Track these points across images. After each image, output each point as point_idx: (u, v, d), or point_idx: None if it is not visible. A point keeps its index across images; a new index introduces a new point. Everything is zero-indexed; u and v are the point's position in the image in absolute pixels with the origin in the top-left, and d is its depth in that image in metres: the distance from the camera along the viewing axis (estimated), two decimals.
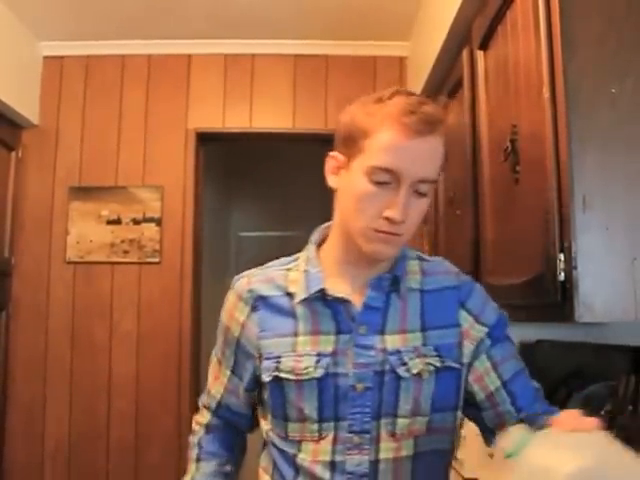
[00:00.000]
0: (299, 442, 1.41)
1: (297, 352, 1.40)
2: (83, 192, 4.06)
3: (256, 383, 1.48)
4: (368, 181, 1.31)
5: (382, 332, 1.40)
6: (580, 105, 1.59)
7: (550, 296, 1.62)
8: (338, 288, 1.42)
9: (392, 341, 1.40)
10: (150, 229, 4.03)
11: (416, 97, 1.34)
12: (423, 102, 1.32)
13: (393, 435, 1.38)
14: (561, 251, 1.58)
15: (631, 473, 0.92)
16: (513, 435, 0.99)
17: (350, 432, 1.37)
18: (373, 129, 1.31)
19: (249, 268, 1.56)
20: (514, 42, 2.08)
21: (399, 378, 1.38)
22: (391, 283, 1.43)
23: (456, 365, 1.43)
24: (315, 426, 1.38)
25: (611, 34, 1.63)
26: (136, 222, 4.04)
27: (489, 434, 1.46)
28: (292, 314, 1.43)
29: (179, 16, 3.83)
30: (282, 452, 1.44)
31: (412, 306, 1.44)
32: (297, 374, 1.38)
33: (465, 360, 1.44)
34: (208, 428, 1.65)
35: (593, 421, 1.04)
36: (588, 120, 1.59)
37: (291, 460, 1.42)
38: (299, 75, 4.17)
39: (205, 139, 4.24)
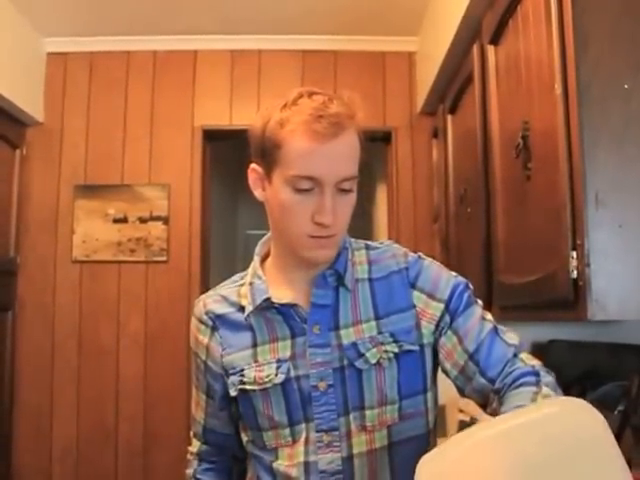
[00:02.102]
0: (275, 449, 1.44)
1: (258, 362, 1.43)
2: (88, 190, 4.04)
3: (227, 401, 1.51)
4: (291, 190, 1.32)
5: (336, 328, 1.42)
6: (592, 101, 1.57)
7: (563, 294, 1.60)
8: (283, 294, 1.44)
9: (347, 335, 1.41)
10: (157, 228, 4.01)
11: (320, 97, 1.34)
12: (328, 103, 1.32)
13: (364, 428, 1.40)
14: (573, 249, 1.56)
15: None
16: None
17: (318, 431, 1.39)
18: (285, 139, 1.31)
19: None
20: (525, 37, 2.05)
21: (359, 371, 1.39)
22: (336, 278, 1.45)
23: (415, 347, 1.43)
24: (287, 431, 1.41)
25: (624, 28, 1.61)
26: (143, 221, 4.01)
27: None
28: (248, 327, 1.46)
29: (185, 11, 3.80)
30: (261, 461, 1.46)
31: (362, 296, 1.45)
32: (260, 383, 1.41)
33: (425, 341, 1.44)
34: (200, 456, 1.65)
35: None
36: (601, 116, 1.56)
37: (269, 467, 1.44)
38: (307, 71, 4.13)
39: (212, 136, 4.21)
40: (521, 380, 1.32)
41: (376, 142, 4.28)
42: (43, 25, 3.94)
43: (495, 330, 1.45)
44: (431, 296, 1.46)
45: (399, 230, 3.96)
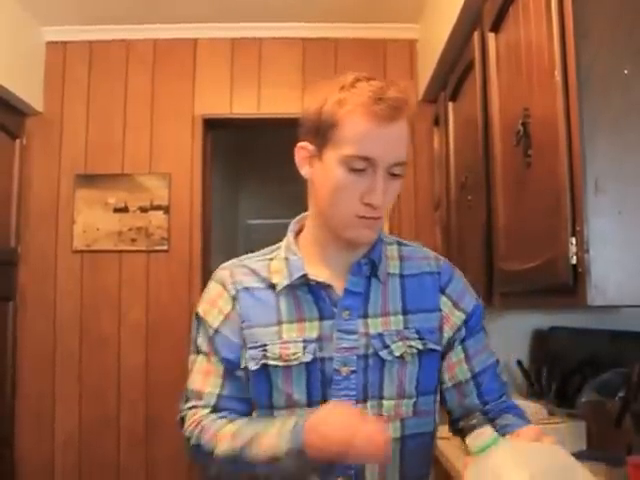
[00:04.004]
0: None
1: (283, 339, 1.43)
2: (89, 180, 4.03)
3: (239, 372, 1.48)
4: (344, 170, 1.35)
5: (365, 316, 1.44)
6: (592, 87, 1.57)
7: (562, 280, 1.61)
8: (319, 274, 1.45)
9: (374, 325, 1.44)
10: (158, 217, 4.00)
11: (377, 82, 1.37)
12: (386, 87, 1.36)
13: (380, 417, 1.40)
14: (573, 235, 1.57)
15: None
16: (485, 435, 1.08)
17: None
18: (342, 119, 1.34)
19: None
20: (526, 24, 2.04)
21: (382, 361, 1.42)
22: (369, 268, 1.47)
23: (438, 348, 1.48)
24: (304, 411, 1.39)
25: (624, 14, 1.60)
26: (143, 210, 4.00)
27: (453, 420, 1.55)
28: (274, 304, 1.46)
29: (184, 0, 3.79)
30: None
31: (392, 290, 1.49)
32: (285, 360, 1.41)
33: (443, 344, 1.49)
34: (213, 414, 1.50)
35: (550, 438, 1.16)
36: (600, 102, 1.56)
37: None
38: (308, 59, 4.12)
39: (212, 125, 4.20)
40: (513, 411, 1.49)
41: None
42: (42, 14, 3.92)
43: (497, 363, 1.56)
44: (456, 305, 1.51)
45: (400, 218, 3.95)
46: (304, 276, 1.44)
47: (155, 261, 4.00)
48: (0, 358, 3.80)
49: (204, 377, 1.49)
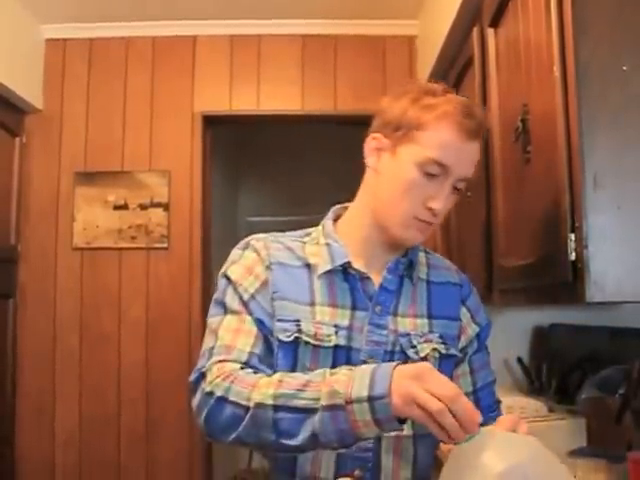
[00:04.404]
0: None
1: (316, 320, 1.42)
2: (89, 177, 4.03)
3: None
4: (418, 171, 1.39)
5: (395, 314, 1.47)
6: (591, 83, 1.56)
7: (561, 276, 1.60)
8: (357, 265, 1.47)
9: (403, 323, 1.47)
10: (157, 214, 4.00)
11: (466, 99, 1.45)
12: (476, 106, 1.45)
13: None
14: (572, 231, 1.56)
15: (554, 472, 1.11)
16: None
17: None
18: (430, 123, 1.38)
19: None
20: (525, 19, 2.04)
21: (407, 359, 1.43)
22: (405, 268, 1.51)
23: (458, 354, 1.53)
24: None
25: (624, 10, 1.59)
26: (143, 207, 4.01)
27: None
28: (309, 284, 1.46)
29: None
30: None
31: (420, 294, 1.53)
32: (318, 339, 1.41)
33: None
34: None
35: (525, 426, 1.21)
36: (599, 98, 1.55)
37: None
38: (307, 56, 4.12)
39: (212, 122, 4.20)
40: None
41: None
42: (41, 11, 3.93)
43: (495, 381, 1.63)
44: (473, 318, 1.58)
45: None
46: (346, 263, 1.46)
47: (155, 258, 4.01)
48: (0, 356, 3.81)
49: (234, 335, 1.41)
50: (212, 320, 1.47)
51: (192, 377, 1.40)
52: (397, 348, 1.44)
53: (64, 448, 3.93)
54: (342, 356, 1.41)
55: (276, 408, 1.23)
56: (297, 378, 1.28)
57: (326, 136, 5.47)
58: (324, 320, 1.42)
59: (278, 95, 4.13)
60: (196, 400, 1.36)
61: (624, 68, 1.55)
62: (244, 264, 1.50)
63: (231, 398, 1.29)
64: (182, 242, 4.03)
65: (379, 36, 4.13)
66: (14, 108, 3.92)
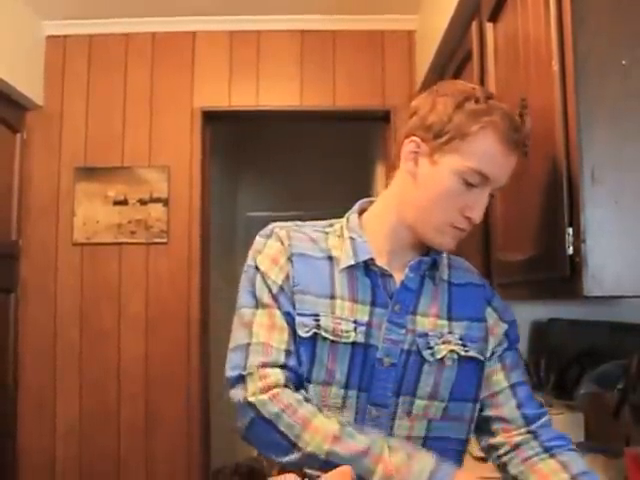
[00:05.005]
0: (317, 407, 1.38)
1: (335, 314, 1.41)
2: (89, 173, 4.05)
3: None
4: (458, 179, 1.38)
5: (414, 313, 1.45)
6: (590, 77, 1.56)
7: (559, 270, 1.60)
8: (380, 262, 1.46)
9: (421, 323, 1.45)
10: (157, 209, 4.01)
11: (508, 108, 1.44)
12: (515, 117, 1.44)
13: (409, 414, 1.42)
14: (570, 225, 1.56)
15: None
16: None
17: (370, 404, 1.40)
18: (475, 133, 1.37)
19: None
20: (524, 13, 2.03)
21: (423, 360, 1.43)
22: (428, 267, 1.49)
23: (480, 357, 1.49)
24: (341, 392, 1.40)
25: (623, 3, 1.59)
26: (143, 203, 4.02)
27: (481, 433, 1.55)
28: (330, 277, 1.45)
29: None
30: None
31: (441, 295, 1.50)
32: (337, 335, 1.39)
33: (488, 354, 1.51)
34: (290, 387, 1.38)
35: None
36: (598, 92, 1.55)
37: None
38: (306, 51, 4.13)
39: (211, 118, 4.21)
40: (567, 446, 1.48)
41: (375, 121, 4.27)
42: (42, 8, 3.94)
43: (530, 384, 1.58)
44: (501, 317, 1.56)
45: None
46: (369, 260, 1.45)
47: (154, 253, 4.02)
48: (2, 350, 3.83)
49: (268, 331, 1.41)
50: (244, 311, 1.46)
51: (230, 373, 1.40)
52: (414, 348, 1.43)
53: (65, 441, 3.95)
54: (360, 353, 1.40)
55: (327, 462, 1.27)
56: (355, 439, 1.29)
57: (325, 131, 5.48)
58: (343, 315, 1.41)
59: (277, 91, 4.13)
60: (236, 401, 1.38)
61: (623, 62, 1.55)
62: (269, 254, 1.48)
63: (280, 428, 1.31)
64: (181, 237, 4.04)
65: (378, 31, 4.13)
66: (15, 104, 3.93)
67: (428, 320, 1.46)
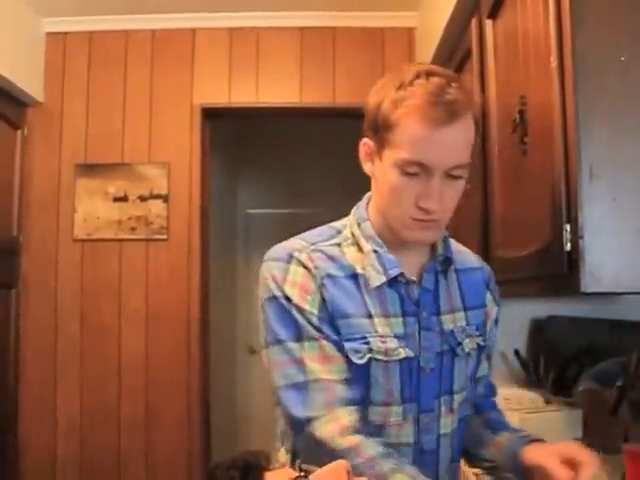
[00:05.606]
0: (382, 426, 1.38)
1: (379, 333, 1.37)
2: (89, 169, 4.05)
3: None
4: (399, 173, 1.31)
5: (438, 313, 1.44)
6: (588, 73, 1.56)
7: (557, 267, 1.61)
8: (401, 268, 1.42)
9: (446, 322, 1.45)
10: (157, 206, 4.02)
11: (437, 79, 1.30)
12: (445, 86, 1.29)
13: (451, 410, 1.46)
14: (568, 221, 1.56)
15: None
16: None
17: (420, 412, 1.41)
18: (397, 121, 1.30)
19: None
20: (523, 9, 2.03)
21: (454, 357, 1.44)
22: (441, 264, 1.47)
23: (489, 343, 1.56)
24: (400, 409, 1.39)
25: (621, 0, 1.59)
26: (143, 199, 4.02)
27: None
28: (360, 295, 1.40)
29: None
30: None
31: (453, 286, 1.50)
32: (388, 355, 1.36)
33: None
34: (359, 432, 1.31)
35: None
36: (596, 89, 1.55)
37: None
38: (306, 48, 4.12)
39: (211, 114, 4.20)
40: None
41: None
42: (42, 5, 3.93)
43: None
44: (495, 300, 1.58)
45: None
46: (401, 274, 1.40)
47: (154, 250, 4.02)
48: (3, 345, 3.84)
49: (322, 364, 1.35)
50: (289, 345, 1.37)
51: (297, 414, 1.33)
52: (445, 347, 1.43)
53: (65, 437, 3.96)
54: (406, 366, 1.38)
55: None
56: None
57: (325, 128, 5.47)
58: (386, 332, 1.37)
59: (277, 88, 4.13)
60: (317, 437, 1.30)
61: (622, 58, 1.55)
62: (296, 282, 1.39)
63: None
64: (181, 234, 4.05)
65: (378, 28, 4.13)
66: (15, 101, 3.93)
67: (449, 317, 1.46)
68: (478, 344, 1.48)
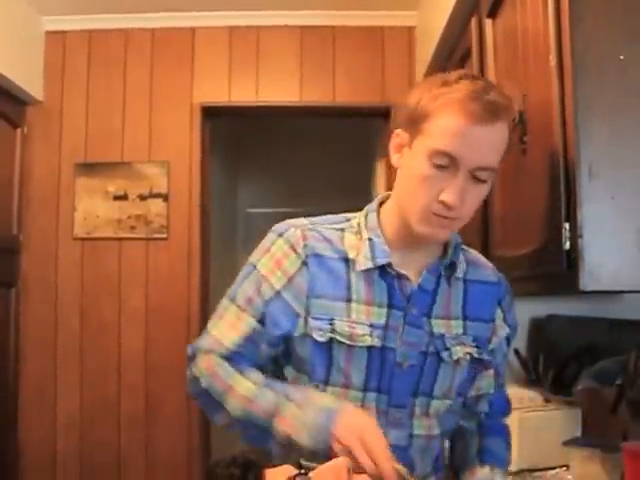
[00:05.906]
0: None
1: (351, 318, 1.40)
2: (89, 168, 4.06)
3: (284, 340, 1.45)
4: (428, 163, 1.32)
5: (429, 315, 1.44)
6: (587, 72, 1.56)
7: (556, 265, 1.61)
8: (397, 263, 1.43)
9: (437, 325, 1.45)
10: (157, 205, 4.02)
11: (482, 82, 1.35)
12: (488, 88, 1.33)
13: (426, 414, 1.45)
14: (567, 220, 1.56)
15: None
16: None
17: (391, 406, 1.42)
18: (435, 112, 1.32)
19: (257, 245, 1.53)
20: (522, 8, 2.03)
21: (440, 361, 1.44)
22: (445, 268, 1.47)
23: (489, 358, 1.53)
24: (359, 394, 1.41)
25: None
26: (142, 198, 4.03)
27: None
28: (346, 279, 1.43)
29: None
30: None
31: (456, 294, 1.49)
32: (353, 340, 1.38)
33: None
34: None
35: None
36: (595, 88, 1.55)
37: None
38: (306, 47, 4.13)
39: (211, 113, 4.21)
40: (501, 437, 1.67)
41: (374, 118, 4.27)
42: (41, 4, 3.94)
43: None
44: (505, 319, 1.56)
45: None
46: (389, 264, 1.42)
47: (154, 249, 4.03)
48: (3, 343, 3.85)
49: (228, 327, 1.45)
50: (222, 302, 1.50)
51: (189, 350, 1.50)
52: (431, 349, 1.43)
53: (65, 432, 3.98)
54: (377, 356, 1.40)
55: (246, 423, 1.40)
56: (265, 399, 1.36)
57: (325, 127, 5.47)
58: (360, 319, 1.40)
59: (277, 86, 4.13)
60: (188, 374, 1.48)
61: (621, 57, 1.55)
62: (274, 256, 1.45)
63: (212, 395, 1.42)
64: (181, 232, 4.05)
65: (378, 27, 4.13)
66: (15, 99, 3.94)
67: (443, 322, 1.46)
68: (471, 355, 1.47)
